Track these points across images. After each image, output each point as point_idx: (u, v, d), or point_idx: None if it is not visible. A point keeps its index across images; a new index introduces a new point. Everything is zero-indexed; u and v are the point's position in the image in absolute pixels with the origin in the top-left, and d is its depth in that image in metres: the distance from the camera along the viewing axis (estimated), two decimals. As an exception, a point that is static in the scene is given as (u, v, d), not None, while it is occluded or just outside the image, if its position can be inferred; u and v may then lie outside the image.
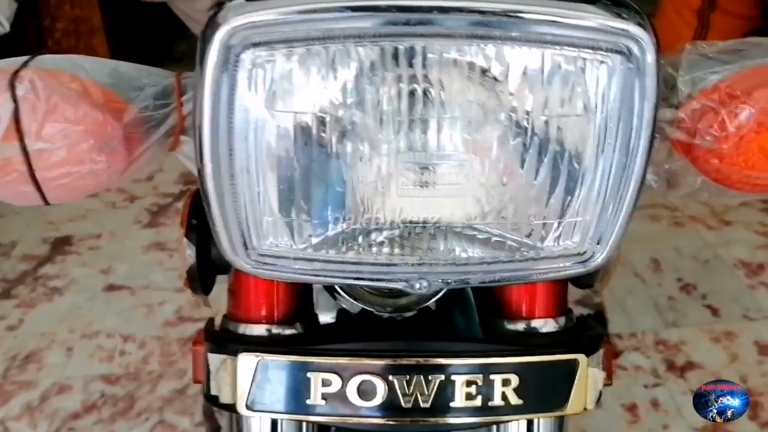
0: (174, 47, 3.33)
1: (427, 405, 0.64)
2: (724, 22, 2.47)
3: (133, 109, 0.58)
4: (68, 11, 2.97)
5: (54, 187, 0.57)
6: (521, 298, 0.72)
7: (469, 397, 0.64)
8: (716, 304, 2.06)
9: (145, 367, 1.86)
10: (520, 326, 0.72)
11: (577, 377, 0.66)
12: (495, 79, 0.53)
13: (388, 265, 0.60)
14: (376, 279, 0.61)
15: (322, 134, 0.54)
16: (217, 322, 0.74)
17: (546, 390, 0.67)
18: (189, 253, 0.71)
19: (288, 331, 0.71)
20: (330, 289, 0.77)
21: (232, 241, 0.57)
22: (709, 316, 2.02)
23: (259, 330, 0.70)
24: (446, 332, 0.81)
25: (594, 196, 0.57)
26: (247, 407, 0.65)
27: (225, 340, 0.70)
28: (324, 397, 0.64)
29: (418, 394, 0.64)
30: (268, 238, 0.58)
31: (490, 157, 0.55)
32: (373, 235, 0.59)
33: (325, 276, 0.61)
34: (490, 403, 0.64)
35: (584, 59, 0.52)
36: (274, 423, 0.68)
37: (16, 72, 0.55)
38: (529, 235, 0.59)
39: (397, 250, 0.59)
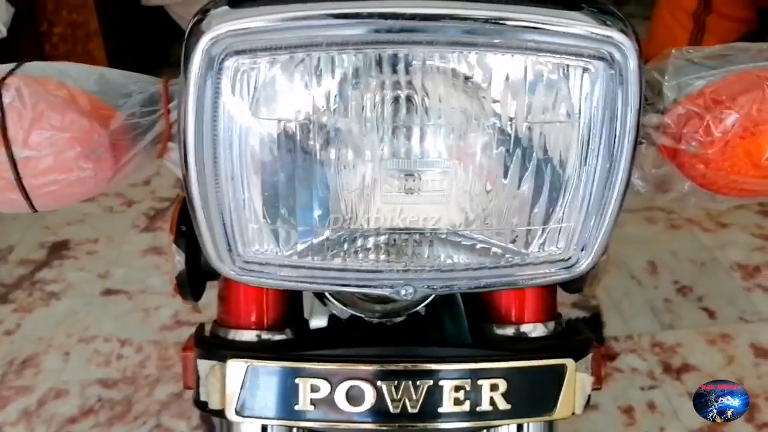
0: (171, 52, 3.33)
1: (416, 410, 0.64)
2: (720, 25, 2.48)
3: (120, 117, 0.59)
4: (65, 16, 2.97)
5: (41, 194, 0.58)
6: (510, 302, 0.73)
7: (458, 402, 0.64)
8: (712, 306, 2.06)
9: (143, 371, 1.86)
10: (509, 331, 0.72)
11: (565, 382, 0.67)
12: (478, 86, 0.53)
13: (373, 271, 0.60)
14: (362, 285, 0.61)
15: (307, 141, 0.54)
16: (208, 327, 0.74)
17: (534, 395, 0.67)
18: (178, 260, 0.71)
19: (278, 337, 0.71)
20: (319, 295, 0.77)
21: (217, 248, 0.58)
22: (706, 319, 2.02)
23: (248, 336, 0.70)
24: (435, 337, 0.81)
25: (578, 202, 0.57)
26: (237, 413, 0.65)
27: (214, 346, 0.70)
28: (313, 402, 0.64)
29: (407, 400, 0.64)
30: (253, 245, 0.58)
31: (474, 163, 0.55)
32: (359, 242, 0.59)
33: (311, 282, 0.61)
34: (478, 408, 0.65)
35: (567, 66, 0.53)
36: (263, 429, 0.69)
37: (3, 80, 0.55)
38: (513, 242, 0.59)
39: (382, 257, 0.59)
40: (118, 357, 1.91)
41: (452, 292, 0.66)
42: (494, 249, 0.60)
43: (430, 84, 0.52)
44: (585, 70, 0.53)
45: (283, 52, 0.51)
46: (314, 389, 0.64)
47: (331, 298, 0.75)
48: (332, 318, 0.83)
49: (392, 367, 0.64)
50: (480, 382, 0.64)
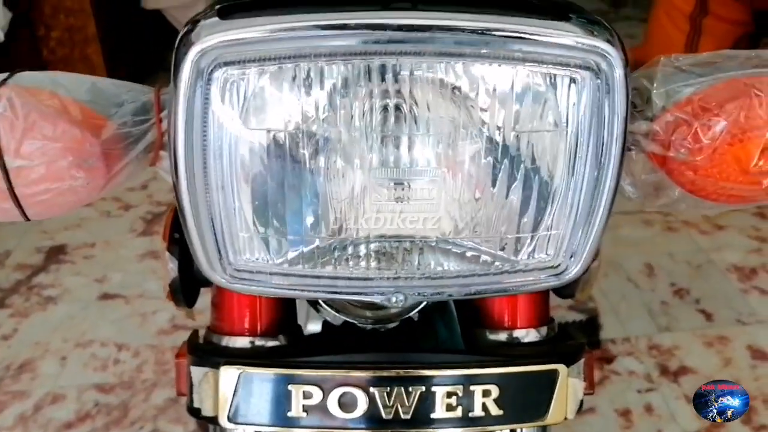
0: (168, 56, 3.34)
1: (408, 416, 0.64)
2: (716, 27, 2.48)
3: (112, 126, 0.59)
4: (63, 20, 2.97)
5: (34, 203, 0.58)
6: (503, 308, 0.73)
7: (450, 408, 0.65)
8: (709, 308, 2.07)
9: (140, 375, 1.86)
10: (502, 336, 0.73)
11: (557, 387, 0.67)
12: (466, 95, 0.53)
13: (364, 279, 0.60)
14: (352, 293, 0.62)
15: (296, 150, 0.54)
16: (202, 334, 0.74)
17: (526, 400, 0.67)
18: (171, 267, 0.72)
19: (271, 343, 0.71)
20: (312, 302, 0.78)
21: (208, 256, 0.58)
22: (703, 321, 2.02)
23: (242, 342, 0.71)
24: (428, 343, 0.82)
25: (566, 210, 0.58)
26: (229, 419, 0.66)
27: (207, 352, 0.70)
28: (305, 409, 0.64)
29: (399, 406, 0.64)
30: (244, 254, 0.59)
31: (463, 172, 0.56)
32: (349, 250, 0.59)
33: (302, 290, 0.61)
34: (470, 414, 0.65)
35: (554, 75, 0.53)
36: (256, 435, 0.69)
37: (-6, 90, 0.56)
38: (503, 249, 0.60)
39: (373, 264, 0.60)
40: (115, 362, 1.91)
41: (443, 300, 0.66)
42: (484, 256, 0.60)
43: (418, 93, 0.53)
44: (572, 79, 0.53)
45: (272, 62, 0.51)
46: (307, 396, 0.64)
47: (324, 305, 0.76)
48: (326, 324, 0.84)
49: (384, 373, 0.65)
50: (472, 387, 0.65)
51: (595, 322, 1.99)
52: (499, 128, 0.54)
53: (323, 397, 0.64)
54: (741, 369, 1.86)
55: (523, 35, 0.51)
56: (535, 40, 0.51)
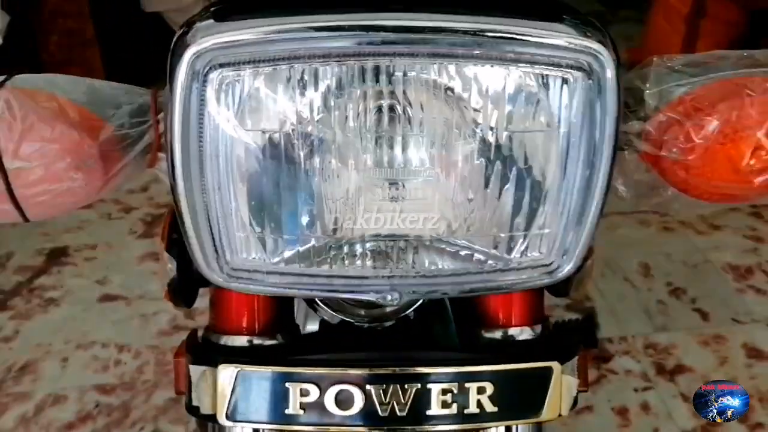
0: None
1: (404, 413, 0.65)
2: (713, 29, 2.49)
3: (110, 128, 0.60)
4: (61, 23, 2.97)
5: (32, 204, 0.59)
6: (498, 306, 0.73)
7: (445, 405, 0.65)
8: (705, 307, 2.07)
9: (140, 376, 1.87)
10: (497, 334, 0.73)
11: (551, 384, 0.68)
12: (459, 96, 0.54)
13: (359, 277, 0.61)
14: (348, 291, 0.62)
15: (292, 151, 0.55)
16: (201, 334, 0.75)
17: (521, 397, 0.68)
18: (170, 267, 0.72)
19: (269, 342, 0.72)
20: (309, 301, 0.78)
21: (205, 256, 0.59)
22: (699, 320, 2.03)
23: (240, 341, 0.71)
24: (424, 342, 0.82)
25: (559, 209, 0.58)
26: (227, 417, 0.66)
27: (206, 351, 0.71)
28: (302, 406, 0.65)
29: (395, 403, 0.65)
30: (241, 253, 0.59)
31: (456, 172, 0.56)
32: (345, 249, 0.60)
33: (299, 289, 0.62)
34: (465, 411, 0.66)
35: (546, 76, 0.54)
36: (254, 432, 0.70)
37: (-8, 92, 0.56)
38: (496, 248, 0.60)
39: (368, 263, 0.60)
40: (116, 363, 1.91)
41: (437, 298, 0.67)
42: (477, 255, 0.61)
43: (412, 94, 0.54)
44: (564, 80, 0.54)
45: (267, 64, 0.52)
46: (304, 393, 0.65)
47: (320, 304, 0.76)
48: (323, 323, 0.84)
49: (380, 371, 0.65)
50: (467, 385, 0.65)
51: (593, 322, 1.99)
52: (491, 128, 0.55)
53: (320, 394, 0.64)
54: (737, 368, 1.87)
55: (515, 36, 0.52)
56: (527, 40, 0.52)
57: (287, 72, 0.52)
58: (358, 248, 0.60)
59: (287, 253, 0.60)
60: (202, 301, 0.79)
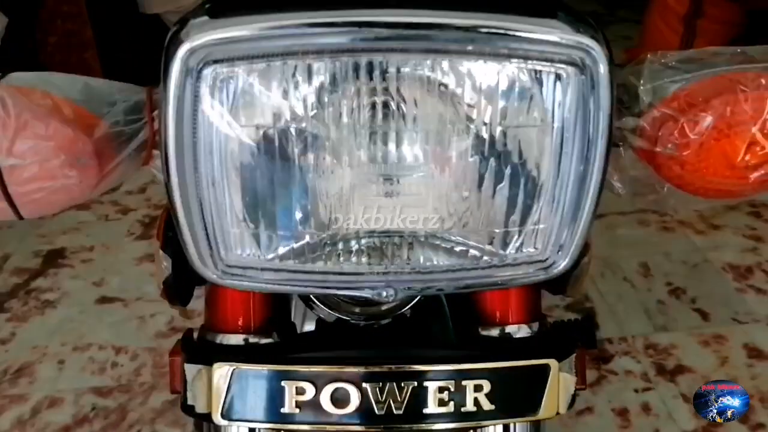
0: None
1: (400, 411, 0.65)
2: (711, 29, 2.50)
3: (105, 125, 0.59)
4: (60, 25, 2.97)
5: (27, 202, 0.59)
6: (495, 304, 0.73)
7: (442, 403, 0.65)
8: (706, 307, 2.07)
9: (138, 378, 1.87)
10: (494, 332, 0.73)
11: (548, 382, 0.67)
12: (453, 91, 0.54)
13: (354, 274, 0.61)
14: (343, 288, 0.62)
15: (286, 147, 0.55)
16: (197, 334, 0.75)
17: (518, 395, 0.68)
18: (165, 265, 0.72)
19: (264, 341, 0.72)
20: (305, 299, 0.78)
21: (200, 252, 0.59)
22: (699, 320, 2.03)
23: (235, 339, 0.71)
24: (421, 339, 0.82)
25: (553, 204, 0.58)
26: (223, 416, 0.66)
27: (200, 350, 0.71)
28: (298, 405, 0.65)
29: (391, 401, 0.65)
30: (235, 249, 0.59)
31: (450, 167, 0.56)
32: (340, 245, 0.60)
33: (293, 285, 0.62)
34: (462, 409, 0.65)
35: (539, 71, 0.54)
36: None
37: (-13, 90, 0.56)
38: (491, 243, 0.60)
39: (363, 260, 0.60)
40: (113, 365, 1.91)
41: (432, 294, 0.67)
42: (472, 251, 0.61)
43: (405, 90, 0.53)
44: (557, 75, 0.54)
45: (261, 60, 0.52)
46: (300, 392, 0.65)
47: (316, 302, 0.76)
48: (320, 322, 0.84)
49: (377, 369, 0.65)
50: (464, 382, 0.65)
51: (592, 323, 1.99)
52: (485, 124, 0.55)
53: (316, 393, 0.64)
54: (737, 368, 1.86)
55: (508, 32, 0.51)
56: (520, 36, 0.52)
57: (281, 68, 0.52)
58: (353, 244, 0.60)
59: (281, 250, 0.60)
60: (200, 303, 0.79)
